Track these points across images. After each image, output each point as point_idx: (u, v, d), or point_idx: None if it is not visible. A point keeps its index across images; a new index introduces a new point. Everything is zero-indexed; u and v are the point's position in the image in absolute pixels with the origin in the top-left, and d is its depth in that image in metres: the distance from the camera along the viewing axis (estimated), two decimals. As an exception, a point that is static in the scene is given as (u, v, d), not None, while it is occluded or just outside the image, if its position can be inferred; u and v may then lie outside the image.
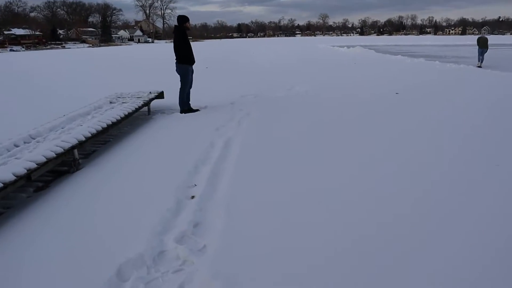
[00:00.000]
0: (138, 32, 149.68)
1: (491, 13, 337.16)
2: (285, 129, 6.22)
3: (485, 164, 4.46)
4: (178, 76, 7.80)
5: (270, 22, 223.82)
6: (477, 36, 21.98)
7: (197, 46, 61.30)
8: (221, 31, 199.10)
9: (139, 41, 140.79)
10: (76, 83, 14.05)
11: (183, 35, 7.60)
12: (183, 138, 5.85)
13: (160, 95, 8.42)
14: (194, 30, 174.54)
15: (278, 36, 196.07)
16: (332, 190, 3.80)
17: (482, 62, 18.65)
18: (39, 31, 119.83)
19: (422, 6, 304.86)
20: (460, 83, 11.70)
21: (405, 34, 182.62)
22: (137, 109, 6.95)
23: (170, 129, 6.48)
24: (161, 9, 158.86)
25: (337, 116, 7.12)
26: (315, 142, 5.48)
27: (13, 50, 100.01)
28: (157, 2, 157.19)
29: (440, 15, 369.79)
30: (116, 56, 36.67)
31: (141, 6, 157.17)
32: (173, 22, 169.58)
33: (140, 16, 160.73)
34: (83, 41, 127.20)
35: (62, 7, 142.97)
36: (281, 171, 4.32)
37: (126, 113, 6.44)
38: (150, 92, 8.30)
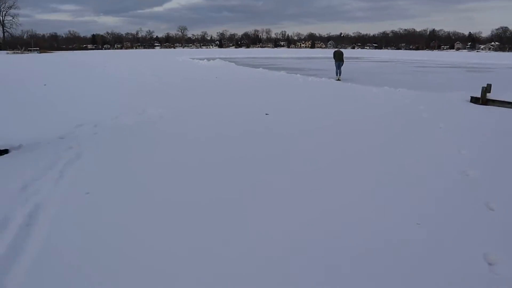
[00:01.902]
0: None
1: (334, 29, 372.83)
2: (131, 180, 4.45)
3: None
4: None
5: (128, 33, 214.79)
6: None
7: (43, 57, 54.66)
8: (74, 42, 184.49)
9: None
10: None
11: None
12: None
13: (-51, 132, 5.91)
14: (42, 41, 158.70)
15: (136, 48, 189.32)
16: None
17: (340, 75, 19.04)
18: None
19: (275, 21, 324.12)
20: (332, 96, 11.17)
21: (261, 47, 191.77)
22: None
23: None
24: (0, 15, 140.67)
25: (209, 153, 5.58)
26: (173, 206, 3.84)
27: None
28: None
29: (292, 30, 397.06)
30: None
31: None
32: (16, 30, 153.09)
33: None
34: None
35: None
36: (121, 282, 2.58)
37: None
38: None
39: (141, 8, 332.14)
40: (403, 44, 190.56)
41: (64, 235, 3.16)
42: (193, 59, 42.83)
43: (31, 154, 5.52)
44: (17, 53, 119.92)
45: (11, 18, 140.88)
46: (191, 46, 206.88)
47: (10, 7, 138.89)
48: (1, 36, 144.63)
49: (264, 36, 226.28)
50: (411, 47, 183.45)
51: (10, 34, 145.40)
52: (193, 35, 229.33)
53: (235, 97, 11.50)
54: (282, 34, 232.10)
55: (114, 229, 3.26)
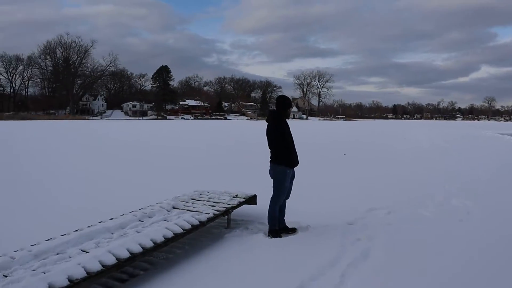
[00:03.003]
0: (294, 109, 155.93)
1: None
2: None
3: None
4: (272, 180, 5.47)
5: (428, 104, 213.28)
6: None
7: (348, 125, 58.84)
8: (376, 111, 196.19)
9: (293, 117, 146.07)
10: (180, 165, 12.87)
11: (281, 125, 5.31)
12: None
13: (251, 200, 6.13)
14: (349, 110, 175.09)
15: (436, 119, 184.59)
16: None
17: None
18: (207, 103, 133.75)
19: None
20: None
21: None
22: (195, 227, 4.72)
23: (219, 276, 4.06)
24: (317, 87, 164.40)
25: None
26: None
27: (184, 118, 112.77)
28: (314, 81, 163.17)
29: None
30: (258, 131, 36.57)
31: (299, 85, 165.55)
32: (328, 100, 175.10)
33: (297, 94, 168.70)
34: (243, 114, 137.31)
35: (230, 82, 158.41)
36: None
37: (169, 237, 4.28)
38: (236, 196, 6.07)
39: (445, 79, 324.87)
40: None
41: None
42: (503, 134, 37.48)
43: (316, 240, 5.04)
44: (326, 119, 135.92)
45: (326, 90, 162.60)
46: (498, 118, 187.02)
47: (326, 81, 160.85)
48: (316, 105, 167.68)
49: None
50: None
51: (324, 103, 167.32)
52: (502, 106, 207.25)
53: None
54: None
55: None
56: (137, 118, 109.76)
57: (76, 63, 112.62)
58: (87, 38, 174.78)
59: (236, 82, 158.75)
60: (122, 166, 12.19)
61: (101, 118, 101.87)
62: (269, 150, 5.38)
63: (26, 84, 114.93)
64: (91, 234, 4.26)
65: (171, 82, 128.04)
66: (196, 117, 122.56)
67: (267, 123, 5.42)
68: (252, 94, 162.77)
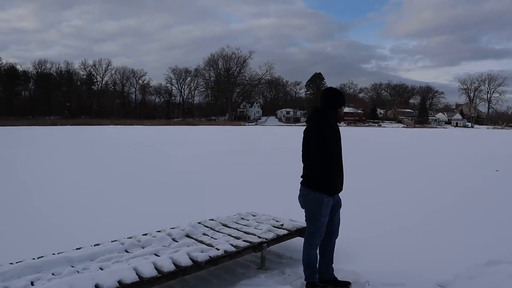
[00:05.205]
0: (457, 116, 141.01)
1: None
2: None
3: None
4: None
5: None
6: None
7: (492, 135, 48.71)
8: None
9: (456, 125, 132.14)
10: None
11: (323, 130, 3.60)
12: None
13: (302, 233, 4.51)
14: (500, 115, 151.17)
15: None
16: None
17: None
18: (361, 110, 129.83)
19: None
20: None
21: None
22: (182, 269, 3.36)
23: None
24: (487, 92, 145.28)
25: None
26: None
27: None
28: (483, 85, 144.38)
29: None
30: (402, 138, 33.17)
31: (465, 89, 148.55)
32: (501, 106, 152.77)
33: (462, 100, 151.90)
34: (399, 121, 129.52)
35: (386, 89, 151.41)
36: None
37: (127, 283, 3.00)
38: (281, 225, 4.50)
39: None
40: None
41: None
42: None
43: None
44: (497, 127, 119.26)
45: (498, 95, 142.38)
46: None
47: (499, 85, 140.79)
48: (485, 112, 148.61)
49: None
50: None
51: (495, 110, 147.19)
52: None
53: None
54: None
55: None
56: (289, 124, 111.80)
57: (235, 73, 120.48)
58: (246, 50, 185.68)
59: (393, 88, 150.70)
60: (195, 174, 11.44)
61: (255, 124, 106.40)
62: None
63: (193, 93, 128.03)
64: (44, 266, 3.30)
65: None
66: (348, 124, 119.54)
67: (307, 124, 3.76)
68: (411, 101, 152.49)
